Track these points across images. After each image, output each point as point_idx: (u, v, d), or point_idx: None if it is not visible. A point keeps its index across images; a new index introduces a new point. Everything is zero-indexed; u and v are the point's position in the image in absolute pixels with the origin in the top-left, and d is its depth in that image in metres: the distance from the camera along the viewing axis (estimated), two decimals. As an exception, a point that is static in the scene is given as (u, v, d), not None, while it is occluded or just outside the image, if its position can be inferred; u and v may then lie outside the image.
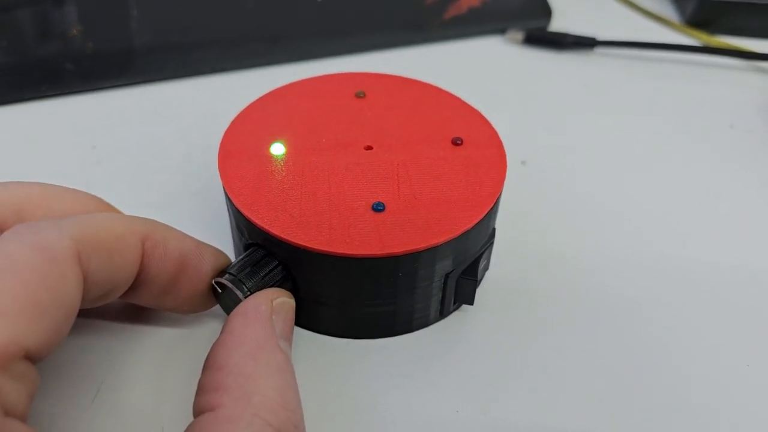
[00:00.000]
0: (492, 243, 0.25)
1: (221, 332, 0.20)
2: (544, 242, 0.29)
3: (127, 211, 0.24)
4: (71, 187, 0.22)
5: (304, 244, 0.21)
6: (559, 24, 0.44)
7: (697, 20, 0.44)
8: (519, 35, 0.42)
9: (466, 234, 0.22)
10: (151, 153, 0.32)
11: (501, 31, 0.43)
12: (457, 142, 0.25)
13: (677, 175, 0.33)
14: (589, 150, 0.34)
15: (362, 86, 0.28)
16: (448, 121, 0.26)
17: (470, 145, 0.25)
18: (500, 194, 0.24)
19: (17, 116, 0.34)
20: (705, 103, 0.38)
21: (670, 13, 0.46)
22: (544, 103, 0.38)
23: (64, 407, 0.22)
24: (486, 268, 0.26)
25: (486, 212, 0.23)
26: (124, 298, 0.21)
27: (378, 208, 0.22)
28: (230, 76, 0.38)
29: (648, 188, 0.32)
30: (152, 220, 0.21)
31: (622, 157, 0.34)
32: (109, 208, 0.23)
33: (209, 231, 0.26)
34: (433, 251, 0.22)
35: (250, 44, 0.39)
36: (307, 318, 0.24)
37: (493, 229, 0.25)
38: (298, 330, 0.25)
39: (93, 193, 0.23)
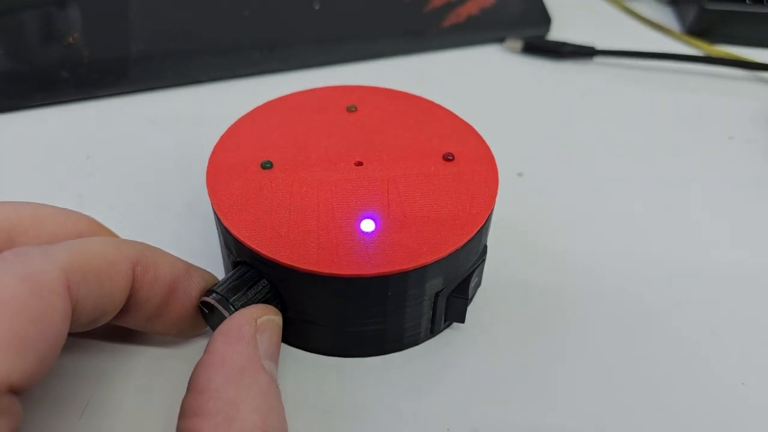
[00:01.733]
0: (484, 260, 0.25)
1: (204, 352, 0.20)
2: (539, 257, 0.28)
3: (119, 224, 0.23)
4: (65, 197, 0.22)
5: (291, 263, 0.21)
6: (558, 33, 0.43)
7: (697, 29, 0.44)
8: (518, 44, 0.42)
9: (456, 253, 0.22)
10: (146, 163, 0.32)
11: (500, 39, 0.43)
12: (448, 158, 0.25)
13: (676, 187, 0.33)
14: (588, 161, 0.34)
15: (353, 100, 0.28)
16: (440, 136, 0.26)
17: (462, 161, 0.25)
18: (491, 212, 0.24)
19: (10, 125, 0.34)
20: (704, 113, 0.38)
21: (670, 22, 0.46)
22: (542, 112, 0.37)
23: (51, 424, 0.22)
24: (478, 285, 0.26)
25: (476, 231, 0.22)
26: (114, 321, 0.21)
27: (367, 226, 0.22)
28: (227, 84, 0.38)
29: (647, 200, 0.32)
30: (143, 244, 0.21)
31: (621, 168, 0.34)
32: (101, 229, 0.23)
33: (202, 244, 0.26)
34: (422, 271, 0.22)
35: (246, 52, 0.39)
36: (296, 336, 0.24)
37: (485, 246, 0.25)
38: (287, 348, 0.24)
39: (86, 206, 0.23)
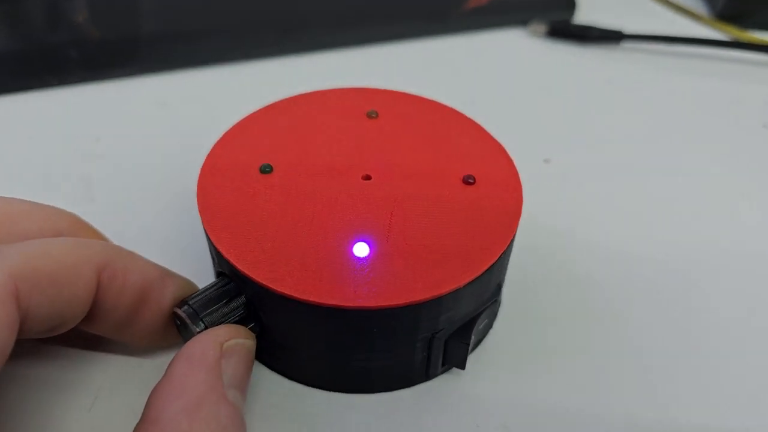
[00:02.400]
0: (496, 301, 0.22)
1: (163, 375, 0.18)
2: (567, 264, 0.26)
3: (126, 208, 0.22)
4: (72, 181, 0.21)
5: (267, 283, 0.19)
6: (584, 16, 0.42)
7: (727, 14, 0.42)
8: (542, 28, 0.40)
9: (457, 293, 0.19)
10: (156, 147, 0.31)
11: (523, 22, 0.41)
12: (468, 181, 0.22)
13: (708, 177, 0.31)
14: (616, 149, 0.32)
15: (377, 105, 0.25)
16: (464, 155, 0.23)
17: (484, 185, 0.22)
18: (509, 248, 0.21)
19: (18, 106, 0.33)
20: (737, 101, 0.35)
21: (699, 6, 0.44)
22: (568, 99, 0.36)
23: (60, 415, 0.21)
24: (488, 327, 0.23)
25: (484, 270, 0.19)
26: (80, 327, 0.20)
27: (360, 250, 0.20)
28: (240, 66, 0.36)
29: (676, 191, 0.30)
30: (114, 247, 0.20)
31: (650, 158, 0.32)
32: (84, 228, 0.21)
33: (202, 238, 0.24)
34: (414, 309, 0.19)
35: (261, 34, 0.37)
36: (274, 361, 0.22)
37: (499, 286, 0.22)
38: (266, 372, 0.22)
39: (94, 189, 0.21)
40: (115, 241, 0.22)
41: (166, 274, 0.20)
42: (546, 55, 0.39)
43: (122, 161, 0.30)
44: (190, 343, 0.19)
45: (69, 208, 0.22)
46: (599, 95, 0.36)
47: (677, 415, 0.21)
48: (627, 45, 0.40)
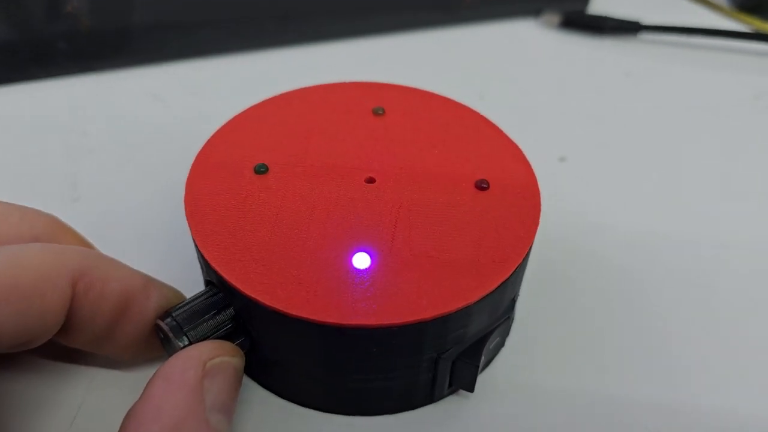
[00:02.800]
0: (509, 317, 0.20)
1: (140, 396, 0.17)
2: (586, 274, 0.24)
3: (115, 207, 0.20)
4: (58, 178, 0.19)
5: (256, 296, 0.17)
6: (599, 6, 0.40)
7: (748, 5, 0.41)
8: (555, 18, 0.39)
9: (467, 310, 0.17)
10: (148, 142, 0.29)
11: (535, 12, 0.39)
12: (482, 186, 0.20)
13: (730, 172, 0.29)
14: (635, 145, 0.31)
15: (384, 101, 0.23)
16: (477, 158, 0.21)
17: (498, 191, 0.20)
18: (524, 261, 0.19)
19: (4, 99, 0.32)
20: (759, 95, 0.34)
21: None
22: (583, 93, 0.34)
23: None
24: (500, 345, 0.21)
25: (497, 285, 0.17)
26: (56, 340, 0.18)
27: (361, 261, 0.18)
28: (237, 58, 0.35)
29: (699, 188, 0.28)
30: (93, 254, 0.18)
31: (671, 154, 0.30)
32: (64, 231, 0.20)
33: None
34: (419, 328, 0.17)
35: (258, 23, 0.35)
36: (266, 378, 0.20)
37: (512, 302, 0.20)
38: (257, 389, 0.20)
39: (81, 187, 0.20)
40: (100, 245, 0.21)
41: (149, 282, 0.19)
42: (559, 47, 0.38)
43: (110, 158, 0.28)
44: (169, 360, 0.17)
45: (51, 208, 0.20)
46: (616, 89, 0.34)
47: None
48: (644, 36, 0.38)
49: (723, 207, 0.27)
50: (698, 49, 0.37)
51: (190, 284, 0.20)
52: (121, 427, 0.16)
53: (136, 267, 0.19)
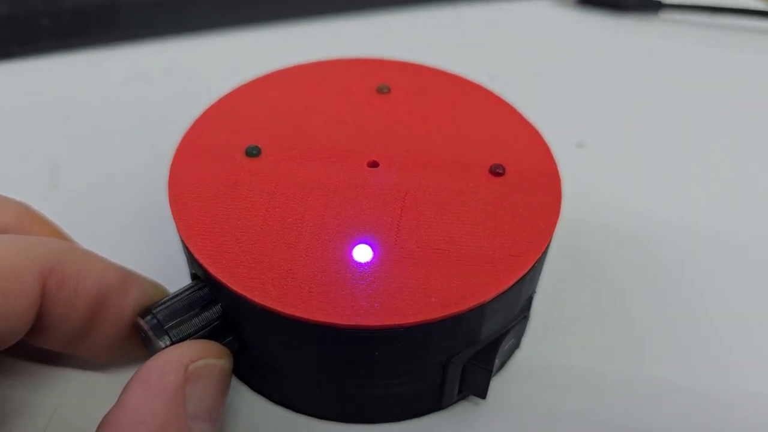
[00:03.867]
0: (526, 316, 0.18)
1: (117, 401, 0.15)
2: (606, 267, 0.22)
3: (98, 195, 0.18)
4: (35, 163, 0.17)
5: (245, 293, 0.15)
6: None
7: None
8: None
9: (480, 309, 0.15)
10: (134, 126, 0.27)
11: None
12: (497, 172, 0.18)
13: (756, 160, 0.27)
14: (658, 131, 0.29)
15: (389, 78, 0.21)
16: (492, 140, 0.19)
17: (514, 177, 0.18)
18: (543, 255, 0.17)
19: None
20: None
21: None
22: (602, 75, 0.32)
23: None
24: (515, 347, 0.19)
25: (513, 282, 0.16)
26: (27, 340, 0.16)
27: (362, 254, 0.16)
28: (230, 35, 0.33)
29: (723, 174, 0.27)
30: (65, 245, 0.16)
31: (697, 139, 0.28)
32: (32, 218, 0.18)
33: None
34: (426, 329, 0.15)
35: None
36: (257, 381, 0.19)
37: (530, 299, 0.18)
38: (248, 393, 0.19)
39: (60, 174, 0.18)
40: (77, 236, 0.19)
41: (128, 277, 0.17)
42: (576, 26, 0.36)
43: (92, 142, 0.26)
44: (147, 363, 0.15)
45: (26, 196, 0.18)
46: (637, 71, 0.33)
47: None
48: (666, 15, 0.36)
49: (749, 193, 0.26)
50: (723, 29, 0.35)
51: (175, 278, 0.19)
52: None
53: (116, 260, 0.17)
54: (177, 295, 0.17)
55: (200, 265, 0.16)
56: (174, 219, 0.17)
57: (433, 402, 0.18)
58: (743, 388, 0.19)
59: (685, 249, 0.23)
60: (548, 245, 0.17)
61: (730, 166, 0.27)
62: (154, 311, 0.16)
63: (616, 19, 0.36)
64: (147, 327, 0.16)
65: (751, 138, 0.28)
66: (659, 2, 0.36)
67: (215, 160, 0.18)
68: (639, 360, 0.20)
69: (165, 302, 0.17)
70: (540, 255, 0.16)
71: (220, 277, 0.15)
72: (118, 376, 0.19)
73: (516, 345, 0.19)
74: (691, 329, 0.21)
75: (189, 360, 0.15)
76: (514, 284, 0.16)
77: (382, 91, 0.21)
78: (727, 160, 0.27)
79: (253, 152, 0.19)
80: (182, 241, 0.17)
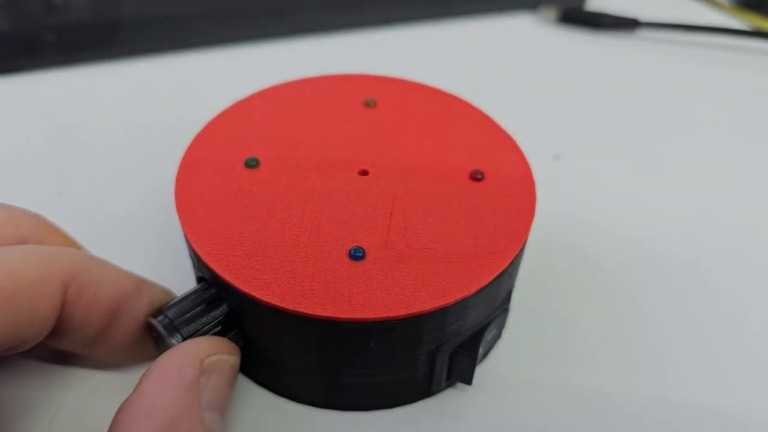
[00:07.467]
0: (506, 309, 0.20)
1: (134, 390, 0.16)
2: (580, 266, 0.24)
3: (105, 204, 0.19)
4: (44, 173, 0.19)
5: (251, 292, 0.17)
6: (597, 2, 0.40)
7: (748, 2, 0.41)
8: (553, 13, 0.39)
9: (463, 302, 0.17)
10: (137, 137, 0.28)
11: (533, 6, 0.39)
12: (477, 177, 0.20)
13: (728, 171, 0.29)
14: (630, 144, 0.30)
15: (375, 93, 0.23)
16: (471, 149, 0.21)
17: (493, 182, 0.20)
18: (521, 252, 0.18)
19: None
20: (759, 93, 0.34)
21: None
22: (580, 90, 0.34)
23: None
24: (497, 337, 0.21)
25: (494, 276, 0.17)
26: (46, 343, 0.18)
27: (356, 255, 0.18)
28: (228, 51, 0.34)
29: (694, 187, 0.28)
30: (84, 257, 0.17)
31: (668, 153, 0.30)
32: (48, 229, 0.19)
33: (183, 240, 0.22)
34: (416, 321, 0.17)
35: (250, 15, 0.35)
36: (260, 375, 0.20)
37: (509, 292, 0.20)
38: (251, 386, 0.20)
39: (69, 183, 0.19)
40: (85, 242, 0.20)
41: (141, 283, 0.18)
42: (557, 43, 0.37)
43: (98, 152, 0.28)
44: (165, 355, 0.17)
45: (35, 203, 0.20)
46: (613, 86, 0.34)
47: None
48: (642, 33, 0.38)
49: (718, 205, 0.27)
50: (697, 47, 0.37)
51: (181, 283, 0.20)
52: (113, 422, 0.16)
53: (123, 266, 0.18)
54: (186, 297, 0.18)
55: (208, 268, 0.17)
56: (182, 226, 0.18)
57: (424, 389, 0.20)
58: (710, 388, 0.21)
59: (651, 255, 0.25)
60: (525, 243, 0.19)
61: (702, 178, 0.29)
62: (166, 311, 0.18)
63: (595, 36, 0.38)
64: (159, 326, 0.18)
65: (723, 152, 0.30)
66: (636, 21, 0.38)
67: (218, 171, 0.20)
68: (610, 346, 0.22)
69: (175, 303, 0.18)
70: (518, 252, 0.18)
71: (228, 279, 0.17)
72: (120, 374, 0.20)
73: (498, 335, 0.21)
74: (652, 324, 0.22)
75: (205, 355, 0.17)
76: (494, 279, 0.17)
77: (369, 104, 0.22)
78: (699, 172, 0.29)
79: (252, 163, 0.20)
80: (190, 246, 0.18)
